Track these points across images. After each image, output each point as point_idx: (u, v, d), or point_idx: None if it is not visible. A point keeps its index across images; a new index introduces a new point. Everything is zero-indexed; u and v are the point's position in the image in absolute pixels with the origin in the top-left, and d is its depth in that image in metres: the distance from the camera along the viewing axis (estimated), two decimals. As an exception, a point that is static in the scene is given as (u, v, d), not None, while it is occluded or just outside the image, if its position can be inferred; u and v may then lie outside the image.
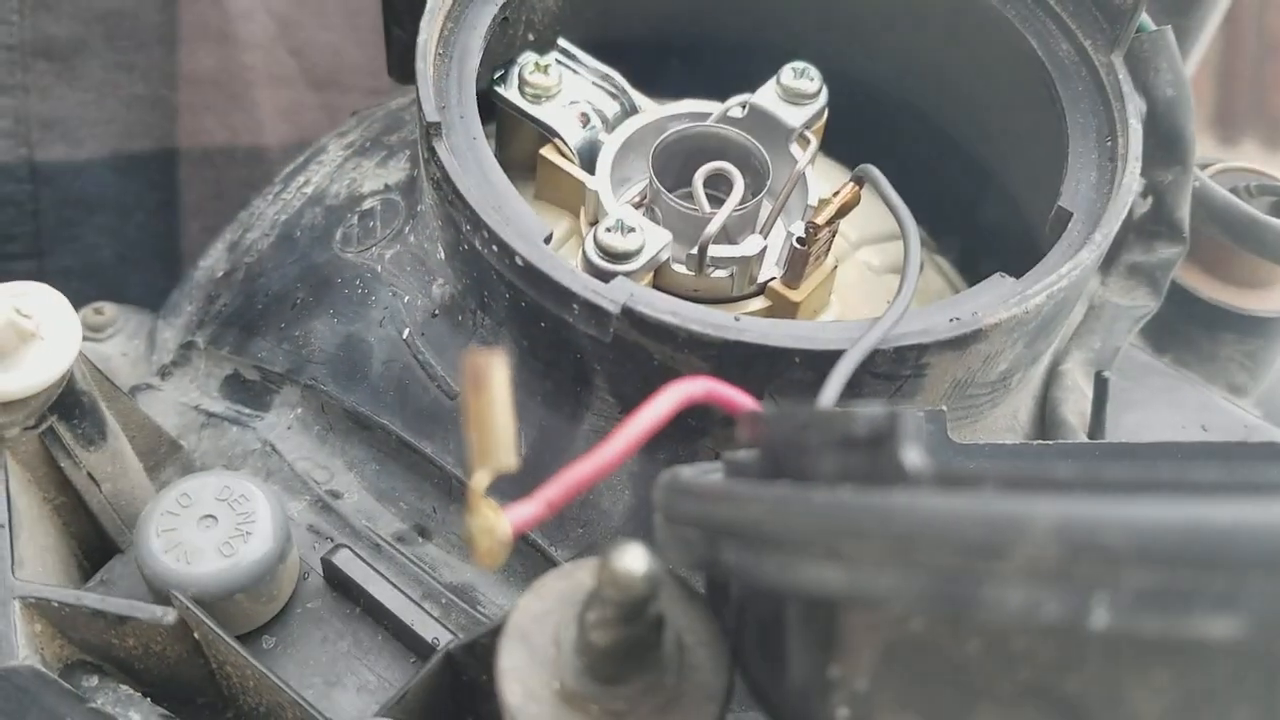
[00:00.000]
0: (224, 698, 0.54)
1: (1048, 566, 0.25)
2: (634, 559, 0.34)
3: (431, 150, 0.58)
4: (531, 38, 0.69)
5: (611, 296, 0.53)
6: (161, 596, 0.53)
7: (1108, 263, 0.70)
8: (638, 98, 0.68)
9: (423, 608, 0.55)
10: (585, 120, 0.67)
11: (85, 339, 0.58)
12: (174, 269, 0.95)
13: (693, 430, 0.56)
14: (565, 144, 0.66)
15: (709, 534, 0.35)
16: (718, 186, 0.63)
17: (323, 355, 0.62)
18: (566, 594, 0.39)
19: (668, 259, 0.61)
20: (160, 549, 0.53)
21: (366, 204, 0.68)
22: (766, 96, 0.67)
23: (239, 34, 0.92)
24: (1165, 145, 0.66)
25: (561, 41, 0.69)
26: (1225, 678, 0.26)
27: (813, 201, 0.64)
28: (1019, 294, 0.55)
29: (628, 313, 0.52)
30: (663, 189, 0.62)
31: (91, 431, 0.56)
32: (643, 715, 0.37)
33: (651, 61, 0.72)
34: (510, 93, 0.67)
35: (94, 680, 0.53)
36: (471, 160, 0.58)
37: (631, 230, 0.59)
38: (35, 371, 0.52)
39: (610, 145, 0.66)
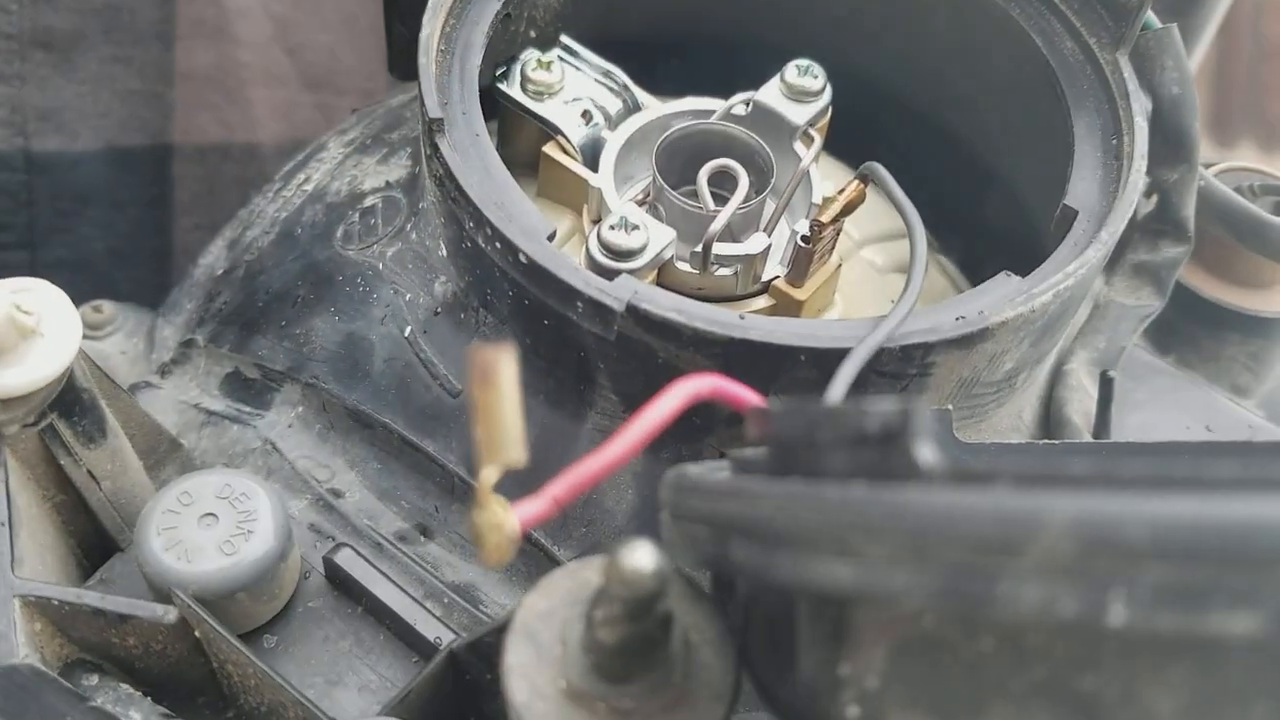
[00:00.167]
0: (225, 697, 0.54)
1: (1064, 563, 0.25)
2: (643, 556, 0.33)
3: (434, 147, 0.57)
4: (534, 34, 0.69)
5: (616, 294, 0.52)
6: (162, 595, 0.52)
7: (1112, 262, 0.70)
8: (641, 95, 0.68)
9: (425, 607, 0.55)
10: (588, 117, 0.66)
11: (84, 337, 0.58)
12: (165, 265, 0.95)
13: (697, 429, 0.56)
14: (568, 141, 0.66)
15: (717, 531, 0.35)
16: (722, 184, 0.63)
17: (324, 353, 0.62)
18: (573, 592, 0.39)
19: (671, 257, 0.61)
20: (161, 547, 0.52)
21: (368, 201, 0.67)
22: (770, 94, 0.67)
23: (236, 32, 0.92)
24: (1170, 144, 0.66)
25: (564, 38, 0.69)
26: (1243, 675, 0.26)
27: (817, 200, 0.64)
28: (1025, 293, 0.55)
29: (632, 310, 0.52)
30: (666, 186, 0.62)
31: (92, 429, 0.56)
32: (649, 713, 0.36)
33: (655, 58, 0.72)
34: (513, 89, 0.67)
35: (94, 679, 0.53)
36: (474, 157, 0.58)
37: (635, 228, 0.59)
38: (35, 368, 0.51)
39: (613, 142, 0.65)
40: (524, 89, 0.67)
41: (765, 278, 0.63)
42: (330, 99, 0.96)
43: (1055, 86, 0.64)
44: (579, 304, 0.53)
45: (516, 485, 0.38)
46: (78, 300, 0.55)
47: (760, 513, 0.32)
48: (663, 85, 0.70)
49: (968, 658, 0.29)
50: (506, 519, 0.34)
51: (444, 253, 0.61)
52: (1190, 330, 0.76)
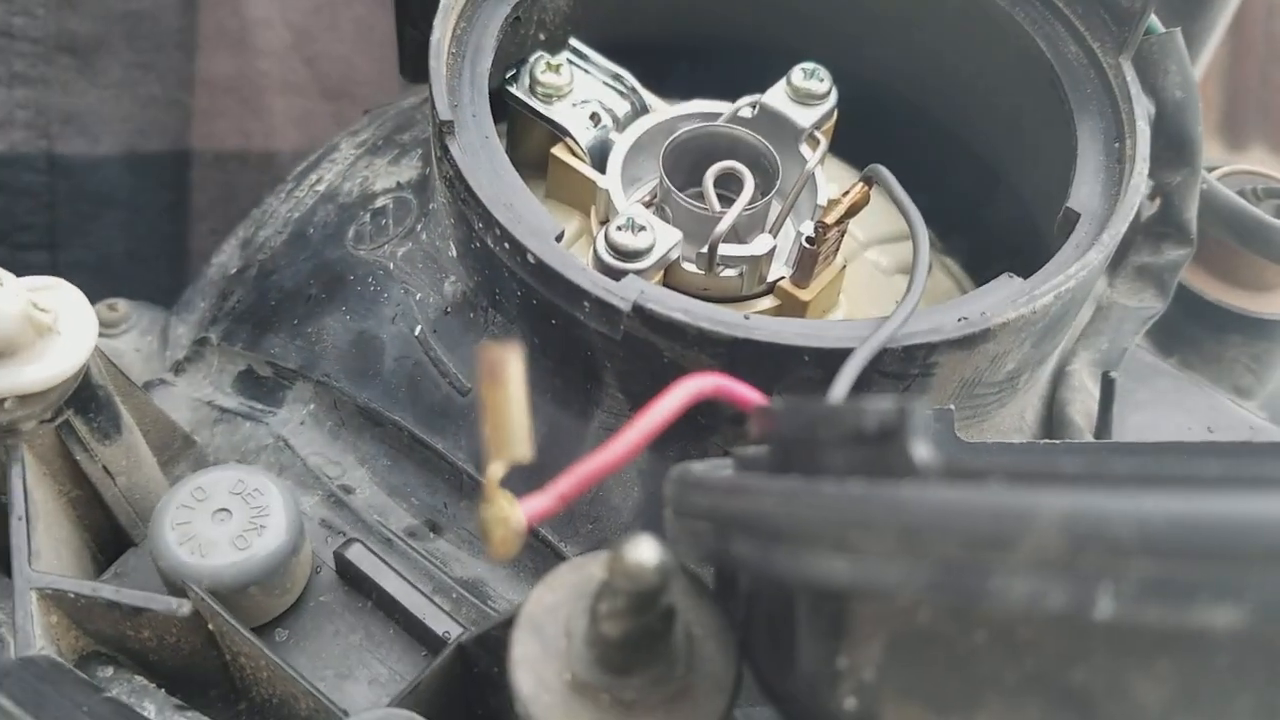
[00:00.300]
0: (237, 690, 0.55)
1: (1053, 557, 0.25)
2: (646, 550, 0.34)
3: (444, 148, 0.58)
4: (543, 37, 0.70)
5: (622, 294, 0.53)
6: (176, 589, 0.53)
7: (1115, 264, 0.71)
8: (648, 97, 0.69)
9: (434, 602, 0.56)
10: (596, 120, 0.67)
11: (99, 334, 0.59)
12: (182, 269, 0.96)
13: (702, 428, 0.57)
14: (576, 143, 0.66)
15: (720, 527, 0.35)
16: (728, 186, 0.64)
17: (335, 352, 0.63)
18: (578, 586, 0.40)
19: (678, 258, 0.61)
20: (175, 542, 0.53)
21: (379, 202, 0.68)
22: (776, 97, 0.67)
23: (256, 42, 0.94)
24: (1173, 147, 0.66)
25: (573, 41, 0.70)
26: (1227, 667, 0.26)
27: (822, 201, 0.65)
28: (1027, 294, 0.55)
29: (638, 310, 0.53)
30: (673, 188, 0.63)
31: (107, 425, 0.57)
32: (652, 705, 0.37)
33: (662, 61, 0.73)
34: (522, 92, 0.68)
35: (109, 671, 0.54)
36: (484, 158, 0.59)
37: (642, 229, 0.59)
38: (52, 365, 0.52)
39: (621, 145, 0.66)
40: (533, 91, 0.68)
41: (770, 279, 0.63)
42: (346, 108, 0.97)
43: (1059, 90, 0.65)
44: (586, 303, 0.54)
45: (524, 482, 0.38)
46: (95, 300, 0.56)
47: (761, 509, 0.33)
48: (670, 88, 0.71)
49: (962, 651, 0.30)
50: (513, 513, 0.35)
51: (454, 253, 0.62)
52: (1193, 332, 0.76)
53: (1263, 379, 0.77)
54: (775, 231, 0.64)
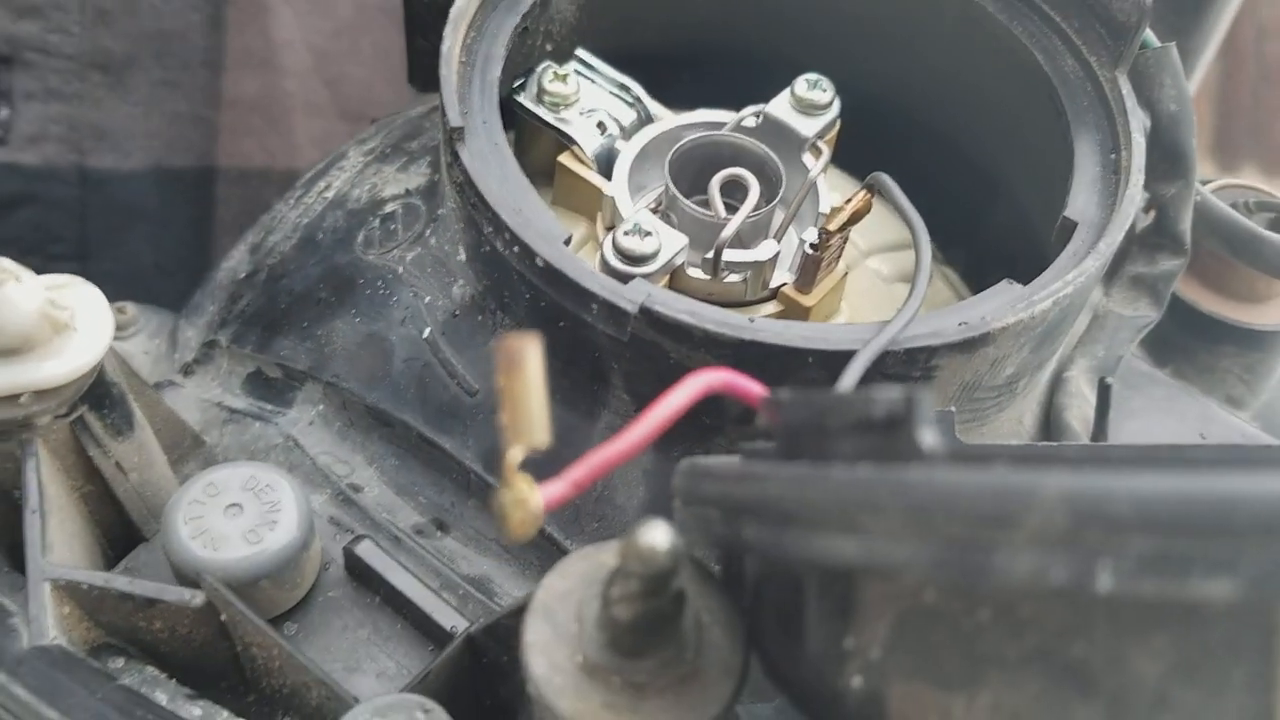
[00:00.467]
0: (247, 681, 0.55)
1: (1055, 534, 0.26)
2: (658, 534, 0.35)
3: (455, 154, 0.59)
4: (550, 48, 0.71)
5: (630, 296, 0.54)
6: (188, 582, 0.54)
7: (1111, 274, 0.72)
8: (654, 107, 0.70)
9: (441, 597, 0.57)
10: (603, 128, 0.69)
11: (110, 335, 0.60)
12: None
13: (707, 429, 0.58)
14: (583, 151, 0.68)
15: (729, 513, 0.37)
16: (732, 193, 0.65)
17: (345, 353, 0.64)
18: (588, 574, 0.41)
19: (683, 263, 0.63)
20: (188, 536, 0.54)
21: (388, 208, 0.69)
22: (780, 107, 0.69)
23: (281, 62, 0.97)
24: (1168, 160, 0.68)
25: (580, 51, 0.71)
26: (1222, 640, 0.27)
27: (825, 209, 0.66)
28: (1026, 300, 0.57)
29: (645, 312, 0.54)
30: (679, 194, 0.64)
31: (120, 422, 0.58)
32: (662, 688, 0.38)
33: (668, 71, 0.74)
34: (530, 101, 0.69)
35: (120, 662, 0.54)
36: (493, 164, 0.60)
37: (648, 234, 0.61)
38: (68, 361, 0.53)
39: (627, 153, 0.67)
40: (541, 100, 0.69)
41: (774, 284, 0.65)
42: (364, 129, 1.00)
43: (1056, 102, 0.66)
44: (594, 306, 0.55)
45: (533, 477, 0.39)
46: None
47: (770, 493, 0.34)
48: (675, 98, 0.72)
49: (966, 628, 0.31)
50: (531, 496, 0.36)
51: (462, 257, 0.63)
52: (1187, 343, 0.78)
53: (1255, 389, 0.78)
54: (779, 238, 0.65)
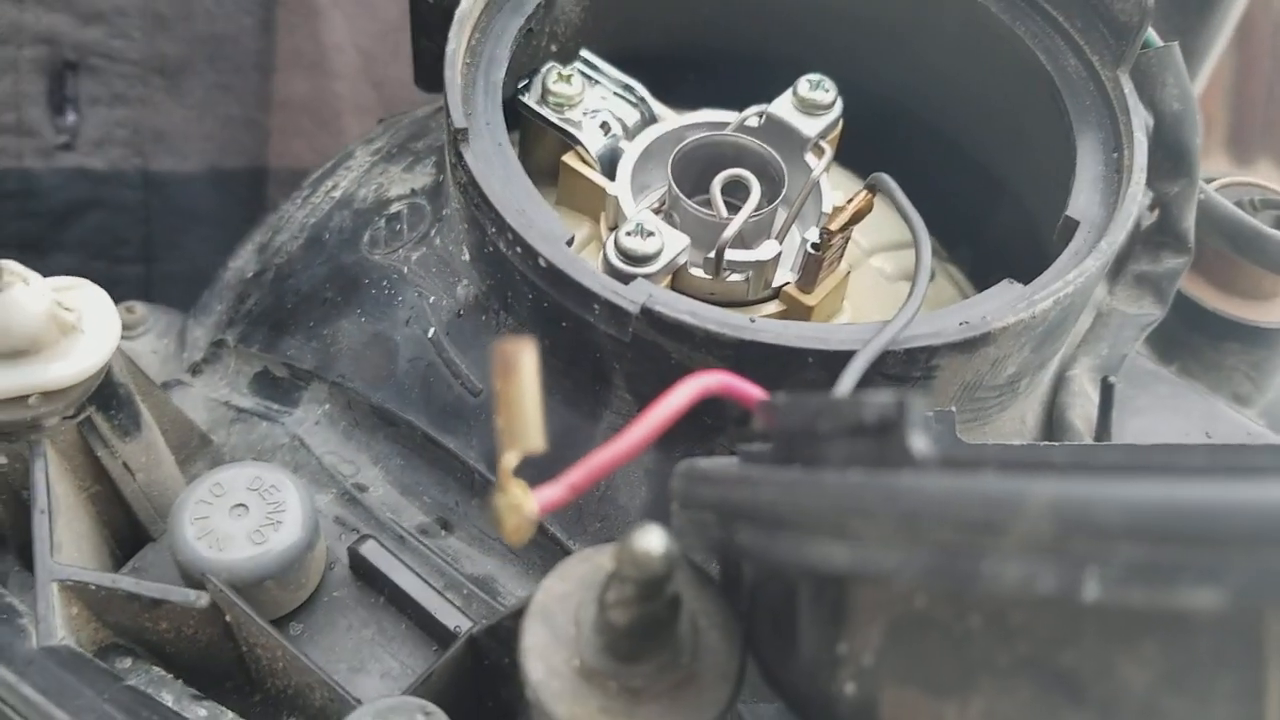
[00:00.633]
0: (252, 681, 0.56)
1: (1043, 542, 0.26)
2: (653, 539, 0.35)
3: (459, 155, 0.60)
4: (554, 48, 0.71)
5: (631, 297, 0.54)
6: (194, 582, 0.55)
7: (1115, 272, 0.72)
8: (657, 107, 0.70)
9: (445, 597, 0.57)
10: (606, 128, 0.69)
11: (118, 335, 0.60)
12: None
13: (708, 429, 0.58)
14: (587, 151, 0.68)
15: (724, 517, 0.37)
16: (735, 193, 0.65)
17: (350, 353, 0.64)
18: (586, 576, 0.41)
19: (685, 263, 0.63)
20: (193, 536, 0.55)
21: (393, 208, 0.70)
22: (783, 107, 0.69)
23: (331, 64, 0.98)
24: (1172, 158, 0.68)
25: (584, 52, 0.71)
26: (1210, 649, 0.27)
27: (827, 209, 0.66)
28: (1027, 299, 0.57)
29: (647, 313, 0.54)
30: (681, 195, 0.64)
31: (127, 422, 0.58)
32: (659, 692, 0.38)
33: (671, 72, 0.74)
34: (534, 101, 0.69)
35: (127, 662, 0.55)
36: (497, 165, 0.60)
37: (651, 234, 0.61)
38: (76, 362, 0.54)
39: (631, 153, 0.68)
40: (545, 101, 0.69)
41: (776, 284, 0.65)
42: None
43: (1058, 102, 0.66)
44: (596, 306, 0.55)
45: (533, 479, 0.40)
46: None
47: (764, 498, 0.34)
48: (678, 98, 0.72)
49: (957, 635, 0.31)
50: (526, 501, 0.36)
51: (466, 257, 0.63)
52: (1192, 341, 0.78)
53: (1261, 387, 0.78)
54: (781, 238, 0.65)
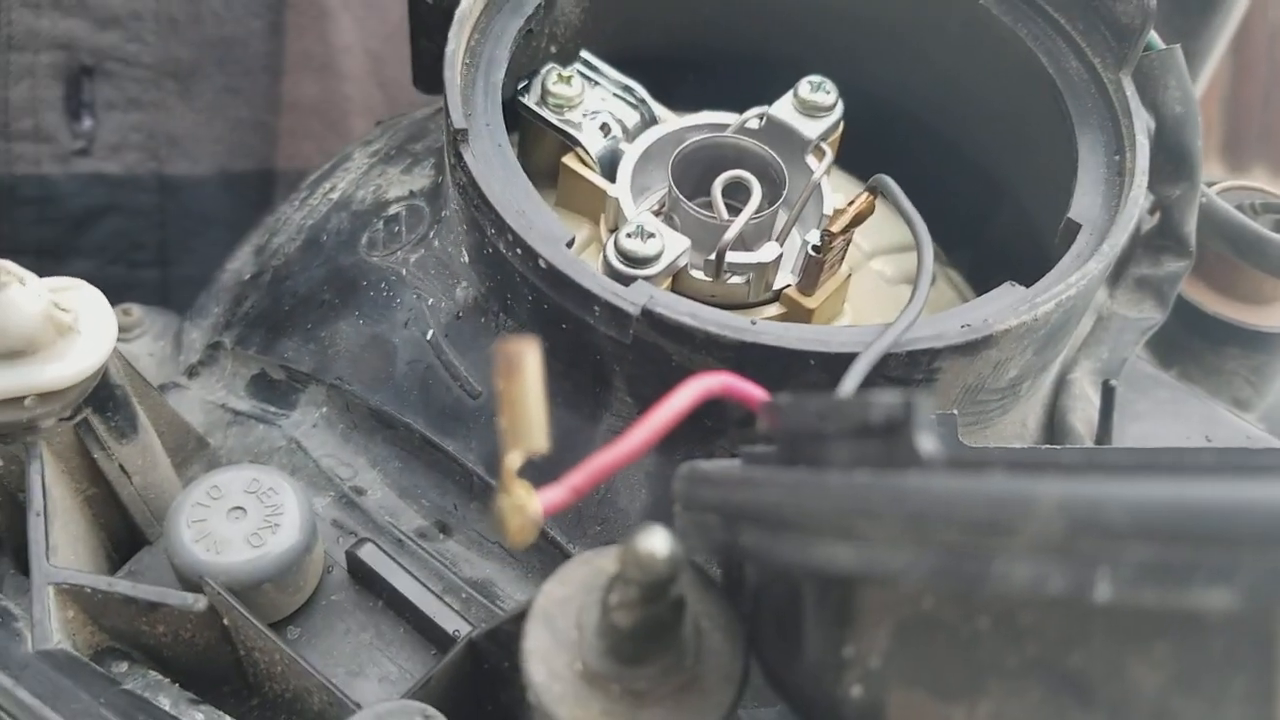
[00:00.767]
0: (249, 685, 0.56)
1: (1053, 542, 0.26)
2: (657, 541, 0.35)
3: (458, 156, 0.59)
4: (554, 50, 0.71)
5: (632, 299, 0.54)
6: (191, 586, 0.54)
7: (1116, 276, 0.72)
8: (657, 108, 0.70)
9: (444, 601, 0.57)
10: (606, 130, 0.68)
11: (114, 337, 0.60)
12: None
13: (709, 431, 0.58)
14: (587, 153, 0.68)
15: (728, 519, 0.36)
16: (735, 195, 0.65)
17: (348, 355, 0.64)
18: (588, 580, 0.41)
19: (686, 265, 0.62)
20: (191, 539, 0.54)
21: (392, 209, 0.69)
22: (783, 109, 0.69)
23: (340, 66, 0.98)
24: (1173, 161, 0.67)
25: (584, 53, 0.71)
26: (1222, 650, 0.27)
27: (828, 211, 0.66)
28: (1029, 302, 0.56)
29: (647, 314, 0.54)
30: (682, 197, 0.64)
31: (124, 424, 0.58)
32: (662, 695, 0.38)
33: (671, 73, 0.74)
34: (533, 103, 0.69)
35: (124, 666, 0.54)
36: (497, 166, 0.60)
37: (651, 236, 0.61)
38: (72, 364, 0.53)
39: (631, 154, 0.67)
40: (545, 102, 0.69)
41: (777, 286, 0.64)
42: None
43: (1060, 104, 0.66)
44: (596, 308, 0.55)
45: (533, 481, 0.39)
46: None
47: (768, 499, 0.34)
48: (679, 100, 0.72)
49: (965, 636, 0.31)
50: (529, 502, 0.36)
51: (466, 259, 0.63)
52: (1193, 344, 0.78)
53: (1261, 391, 0.78)
54: (781, 240, 0.65)
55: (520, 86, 0.69)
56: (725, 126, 0.69)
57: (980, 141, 0.75)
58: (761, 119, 0.69)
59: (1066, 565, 0.26)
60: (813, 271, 0.63)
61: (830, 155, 0.67)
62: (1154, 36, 0.66)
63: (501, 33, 0.66)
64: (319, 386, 0.65)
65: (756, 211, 0.63)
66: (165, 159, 0.94)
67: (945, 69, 0.74)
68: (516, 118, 0.69)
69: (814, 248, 0.62)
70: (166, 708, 0.51)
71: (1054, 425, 0.65)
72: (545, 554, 0.60)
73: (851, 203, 0.61)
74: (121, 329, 0.76)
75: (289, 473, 0.63)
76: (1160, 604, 0.25)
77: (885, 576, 0.30)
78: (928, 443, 0.31)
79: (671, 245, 0.61)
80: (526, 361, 0.34)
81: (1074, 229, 0.61)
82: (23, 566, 0.57)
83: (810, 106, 0.68)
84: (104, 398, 0.56)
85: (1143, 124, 0.64)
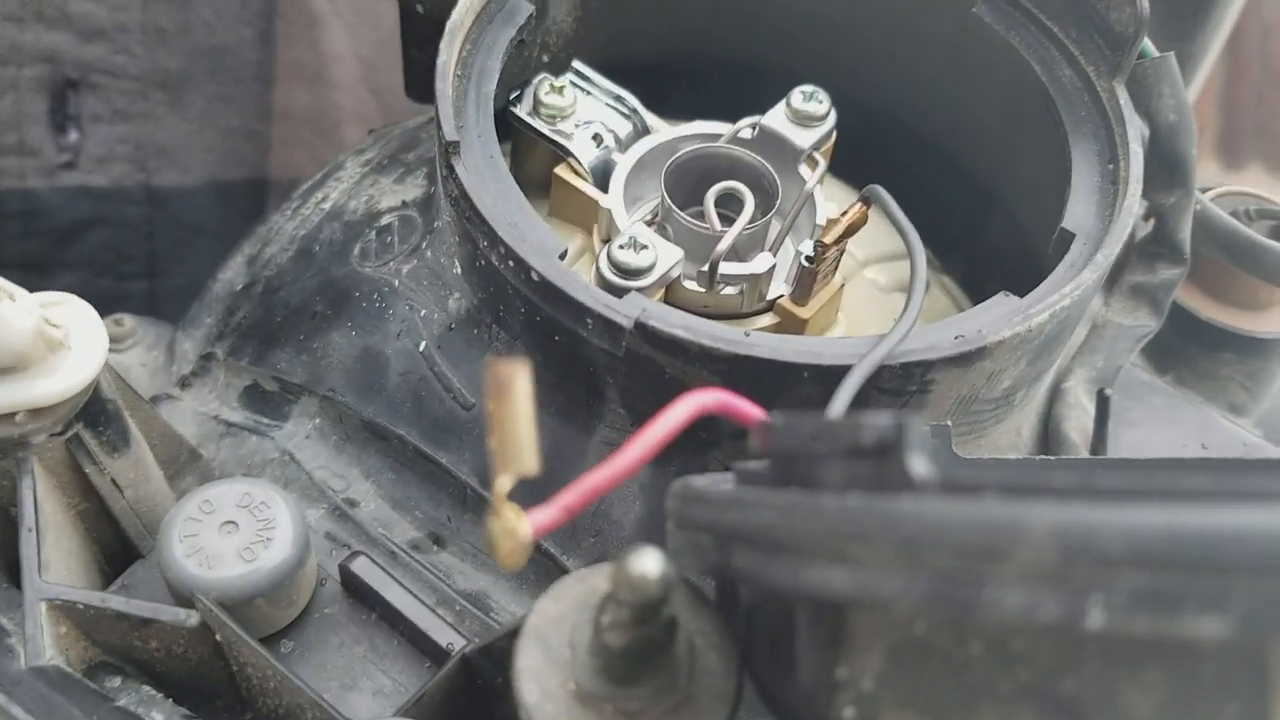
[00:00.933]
0: (243, 700, 0.55)
1: (1045, 569, 0.26)
2: (648, 562, 0.35)
3: (450, 168, 0.59)
4: (546, 59, 0.71)
5: (625, 311, 0.54)
6: (183, 600, 0.54)
7: (1110, 283, 0.72)
8: (650, 118, 0.70)
9: (437, 614, 0.57)
10: (599, 140, 0.68)
11: (106, 349, 0.60)
12: None
13: (703, 443, 0.58)
14: (579, 163, 0.67)
15: (720, 539, 0.36)
16: (728, 205, 0.65)
17: (340, 367, 0.64)
18: (581, 598, 0.40)
19: (679, 276, 0.62)
20: (183, 554, 0.54)
21: (384, 220, 0.69)
22: (776, 118, 0.68)
23: (332, 75, 0.98)
24: (1167, 169, 0.67)
25: (576, 63, 0.71)
26: (1214, 676, 0.27)
27: (821, 221, 0.66)
28: (1023, 312, 0.56)
29: (640, 327, 0.54)
30: (674, 207, 0.64)
31: (116, 439, 0.58)
32: (655, 715, 0.38)
33: (664, 83, 0.74)
34: (525, 113, 0.69)
35: (116, 681, 0.54)
36: (489, 178, 0.60)
37: (644, 247, 0.60)
38: (63, 379, 0.53)
39: (623, 164, 0.67)
40: (537, 112, 0.69)
41: (770, 296, 0.64)
42: None
43: (1053, 113, 0.66)
44: (589, 320, 0.54)
45: (527, 495, 0.39)
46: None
47: (760, 521, 0.34)
48: (671, 109, 0.72)
49: (957, 661, 0.31)
50: (520, 525, 0.35)
51: (458, 270, 0.63)
52: (1188, 351, 0.77)
53: (1256, 397, 0.78)
54: (775, 250, 0.65)
55: (512, 97, 0.69)
56: (718, 136, 0.68)
57: (973, 150, 0.75)
58: (754, 129, 0.69)
59: (1059, 592, 0.26)
60: (806, 282, 0.63)
61: (823, 165, 0.67)
62: (1148, 44, 0.66)
63: (493, 43, 0.66)
64: (312, 398, 0.65)
65: (750, 222, 0.63)
66: (153, 170, 0.94)
67: (938, 78, 0.74)
68: (508, 128, 0.69)
69: (807, 258, 0.62)
70: (159, 724, 0.51)
71: (1049, 434, 0.65)
72: (539, 566, 0.59)
73: (845, 213, 0.61)
74: (114, 339, 0.76)
75: (282, 485, 0.63)
76: (1153, 631, 0.25)
77: (877, 602, 0.30)
78: (920, 465, 0.31)
79: (664, 256, 0.61)
80: (516, 383, 0.34)
81: (1068, 238, 0.61)
82: (15, 582, 0.56)
83: (803, 116, 0.68)
84: (95, 412, 0.56)
85: (1136, 132, 0.64)
